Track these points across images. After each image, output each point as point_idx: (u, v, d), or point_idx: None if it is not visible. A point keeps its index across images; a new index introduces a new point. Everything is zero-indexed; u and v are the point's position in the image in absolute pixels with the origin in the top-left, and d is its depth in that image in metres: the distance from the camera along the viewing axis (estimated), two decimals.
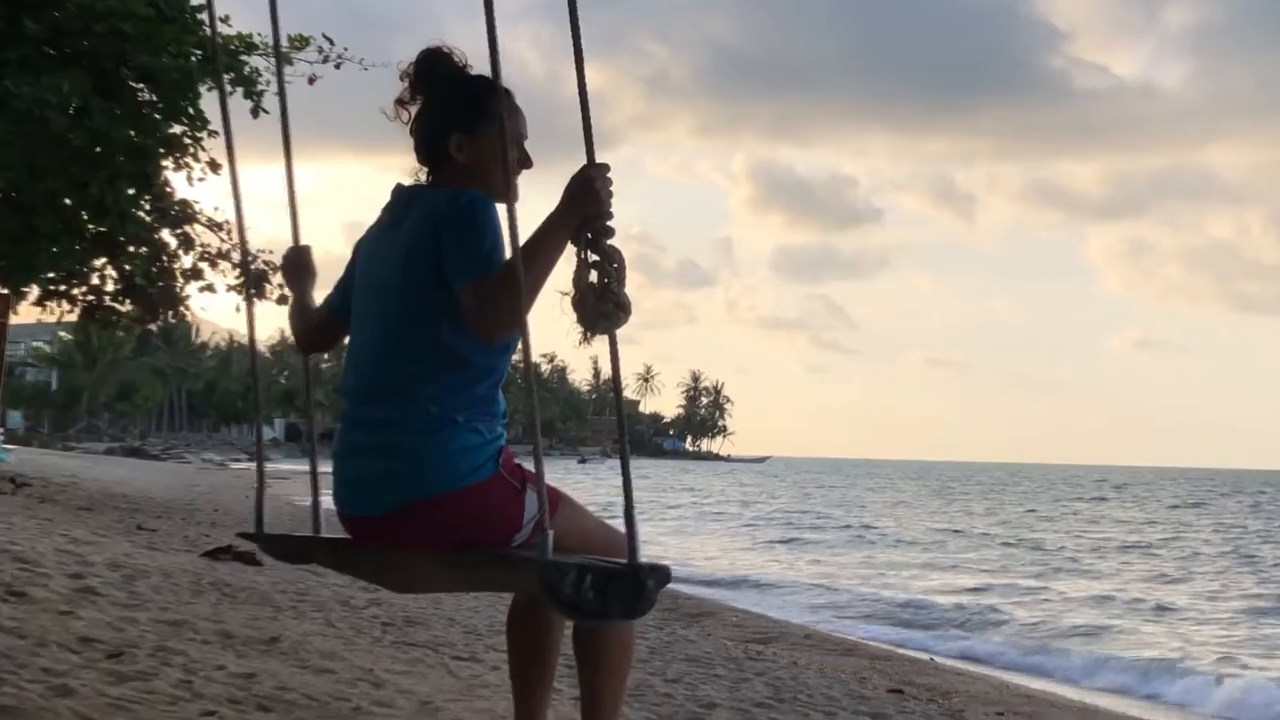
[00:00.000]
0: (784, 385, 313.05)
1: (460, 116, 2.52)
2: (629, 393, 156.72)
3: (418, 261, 2.41)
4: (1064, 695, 8.82)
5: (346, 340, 2.71)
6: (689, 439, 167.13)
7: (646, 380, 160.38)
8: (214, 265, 10.42)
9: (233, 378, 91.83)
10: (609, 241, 2.31)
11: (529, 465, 2.42)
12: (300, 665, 4.31)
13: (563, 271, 2.33)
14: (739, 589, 15.59)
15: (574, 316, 2.30)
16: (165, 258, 10.34)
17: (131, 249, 9.94)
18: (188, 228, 10.05)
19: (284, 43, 8.71)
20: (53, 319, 11.84)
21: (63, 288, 10.76)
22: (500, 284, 2.25)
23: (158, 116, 8.12)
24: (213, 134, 8.48)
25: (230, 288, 10.56)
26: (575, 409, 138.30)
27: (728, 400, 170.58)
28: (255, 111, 8.21)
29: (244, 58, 8.37)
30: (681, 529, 28.48)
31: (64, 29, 7.53)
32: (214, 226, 10.06)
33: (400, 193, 2.59)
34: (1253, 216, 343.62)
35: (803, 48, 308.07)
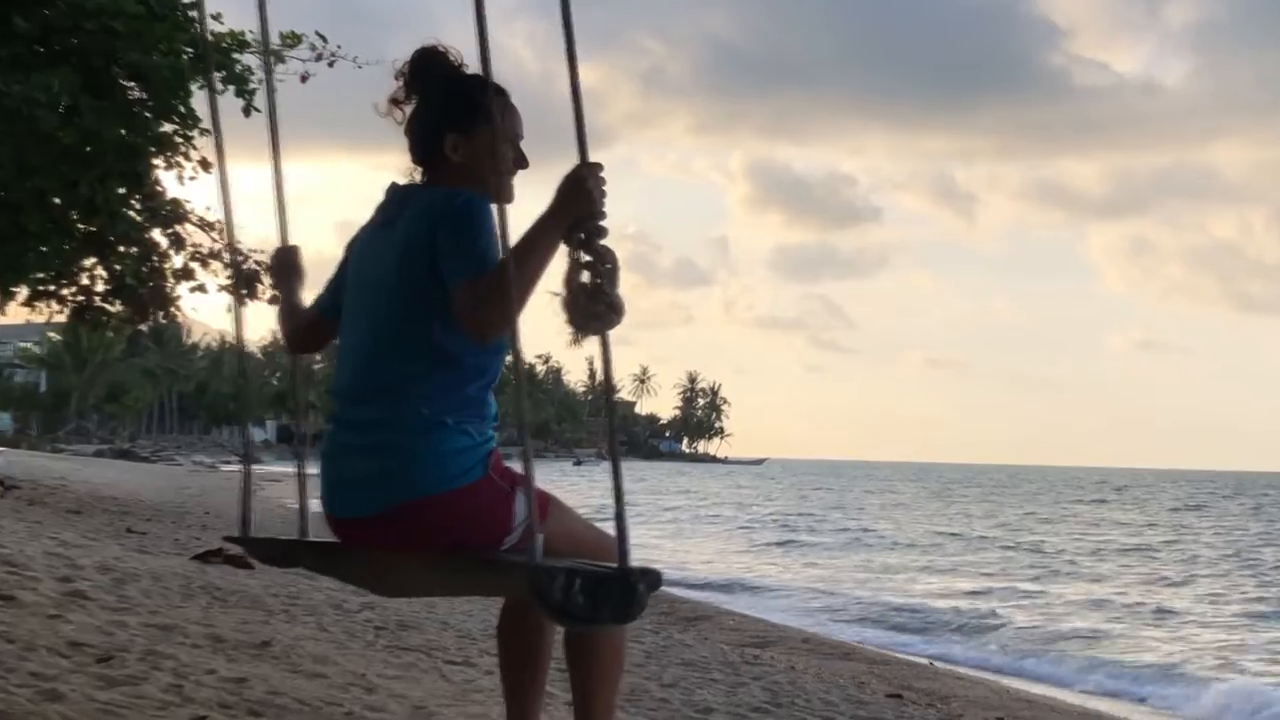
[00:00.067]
0: (782, 386, 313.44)
1: (455, 116, 2.51)
2: (624, 394, 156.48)
3: (412, 261, 2.40)
4: (1064, 700, 8.81)
5: (337, 341, 2.68)
6: (685, 441, 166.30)
7: (642, 381, 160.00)
8: (205, 265, 10.37)
9: (224, 379, 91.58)
10: (601, 242, 2.30)
11: (519, 468, 2.40)
12: (292, 670, 4.29)
13: (556, 272, 2.31)
14: (735, 592, 15.57)
15: (565, 317, 2.29)
16: (156, 257, 10.28)
17: (122, 249, 9.88)
18: (179, 227, 10.00)
19: (276, 40, 8.68)
20: (42, 319, 11.78)
21: (52, 288, 10.69)
22: (493, 284, 2.24)
23: (148, 115, 8.07)
24: (204, 132, 8.43)
25: (222, 288, 10.50)
26: (570, 410, 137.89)
27: (725, 401, 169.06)
28: (247, 110, 8.16)
29: (236, 55, 8.32)
30: (678, 532, 28.45)
31: (54, 26, 7.48)
32: (205, 226, 10.02)
33: (395, 192, 2.58)
34: (1255, 215, 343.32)
35: (801, 44, 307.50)
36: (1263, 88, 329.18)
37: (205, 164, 8.99)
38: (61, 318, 11.57)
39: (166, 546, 8.95)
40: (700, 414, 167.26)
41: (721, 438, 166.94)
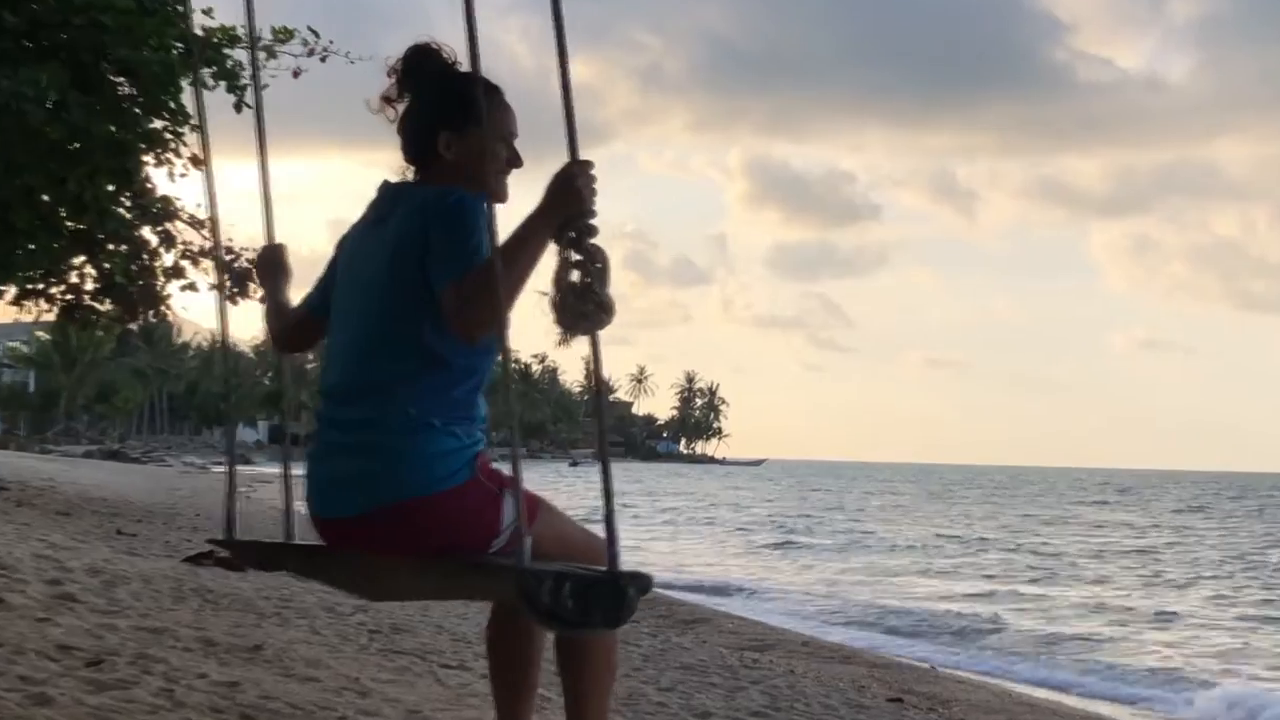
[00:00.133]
0: (780, 386, 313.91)
1: (449, 114, 2.49)
2: (621, 394, 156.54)
3: (404, 259, 2.37)
4: (1067, 704, 8.78)
5: (326, 340, 2.65)
6: (683, 441, 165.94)
7: (639, 381, 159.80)
8: (196, 263, 10.29)
9: (215, 379, 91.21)
10: (592, 240, 2.27)
11: (508, 469, 2.36)
12: (284, 674, 4.26)
13: (545, 271, 2.29)
14: (734, 595, 15.49)
15: (554, 317, 2.26)
16: (146, 256, 10.21)
17: (111, 247, 9.80)
18: (169, 225, 9.93)
19: (268, 35, 8.61)
20: (30, 318, 11.70)
21: (40, 286, 10.62)
22: (480, 282, 2.22)
23: (138, 111, 8.00)
24: (195, 128, 8.36)
25: (213, 286, 10.43)
26: (567, 410, 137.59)
27: (723, 401, 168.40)
28: (239, 106, 8.09)
29: (227, 51, 8.25)
30: (676, 534, 28.40)
31: (42, 21, 7.41)
32: (196, 224, 9.94)
33: (387, 190, 2.56)
34: (1259, 213, 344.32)
35: (800, 40, 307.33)
36: (1266, 84, 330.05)
37: (196, 160, 8.92)
38: (50, 317, 11.50)
39: (157, 549, 8.90)
40: (698, 414, 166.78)
41: (719, 438, 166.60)
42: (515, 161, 2.54)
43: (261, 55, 8.52)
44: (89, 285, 10.75)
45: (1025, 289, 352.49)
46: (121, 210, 9.24)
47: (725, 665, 6.90)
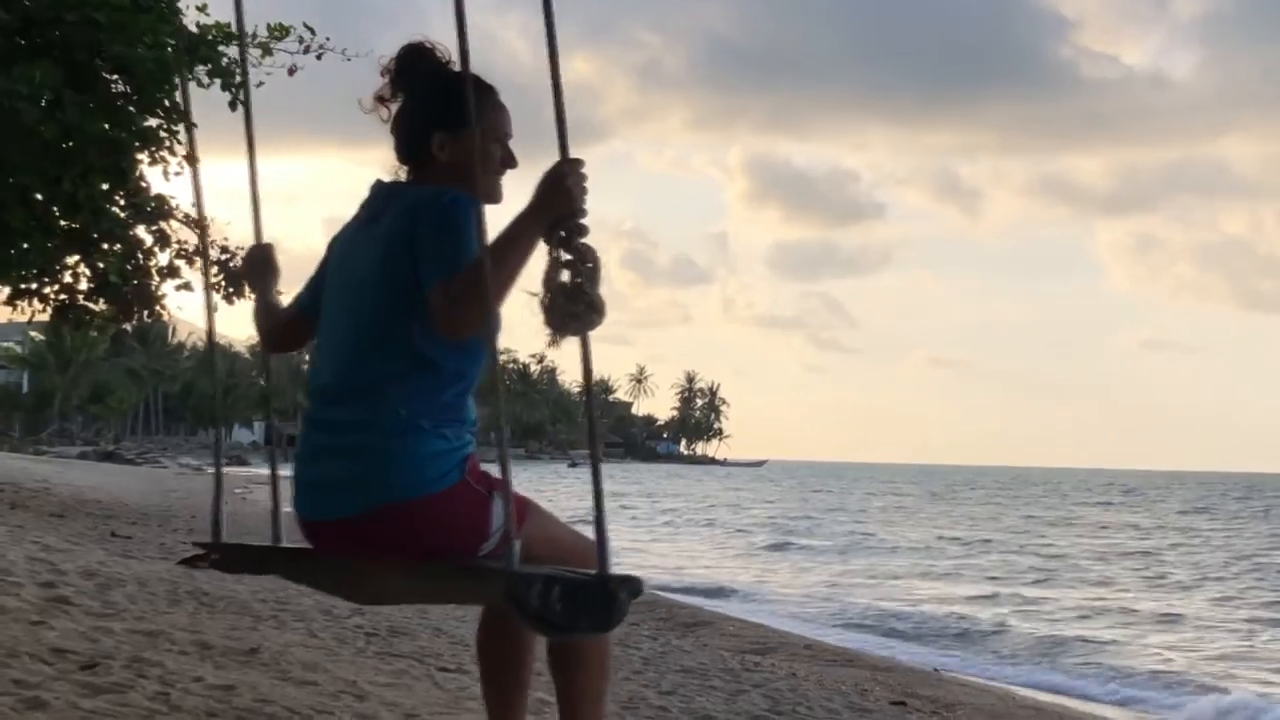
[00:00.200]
0: (782, 386, 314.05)
1: (442, 114, 2.46)
2: (621, 394, 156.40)
3: (395, 259, 2.35)
4: (1072, 708, 8.74)
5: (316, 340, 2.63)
6: (684, 442, 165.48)
7: (639, 381, 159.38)
8: (191, 263, 10.23)
9: (210, 380, 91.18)
10: (582, 240, 2.26)
11: (498, 472, 2.34)
12: (281, 677, 4.24)
13: (534, 271, 2.29)
14: (735, 598, 15.43)
15: (543, 318, 2.26)
16: (140, 255, 10.13)
17: (105, 246, 9.72)
18: (164, 224, 9.86)
19: (263, 32, 8.54)
20: (24, 319, 11.63)
21: (34, 286, 10.54)
22: (468, 282, 2.20)
23: (133, 109, 7.94)
24: (190, 126, 8.29)
25: (208, 286, 10.34)
26: (565, 411, 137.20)
27: (723, 402, 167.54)
28: (234, 104, 8.03)
29: (222, 48, 8.19)
30: (676, 535, 28.34)
31: (34, 18, 7.34)
32: (191, 223, 9.87)
33: (379, 189, 2.54)
34: (1266, 211, 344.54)
35: (801, 37, 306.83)
36: (1272, 81, 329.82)
37: (190, 158, 8.85)
38: (44, 317, 11.42)
39: (152, 551, 8.88)
40: (699, 415, 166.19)
41: (720, 439, 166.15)
42: (510, 162, 2.52)
43: (257, 52, 8.46)
44: (83, 285, 10.66)
45: (1029, 288, 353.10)
46: (116, 209, 9.17)
47: (726, 668, 6.88)
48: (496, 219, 2.29)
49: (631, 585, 2.16)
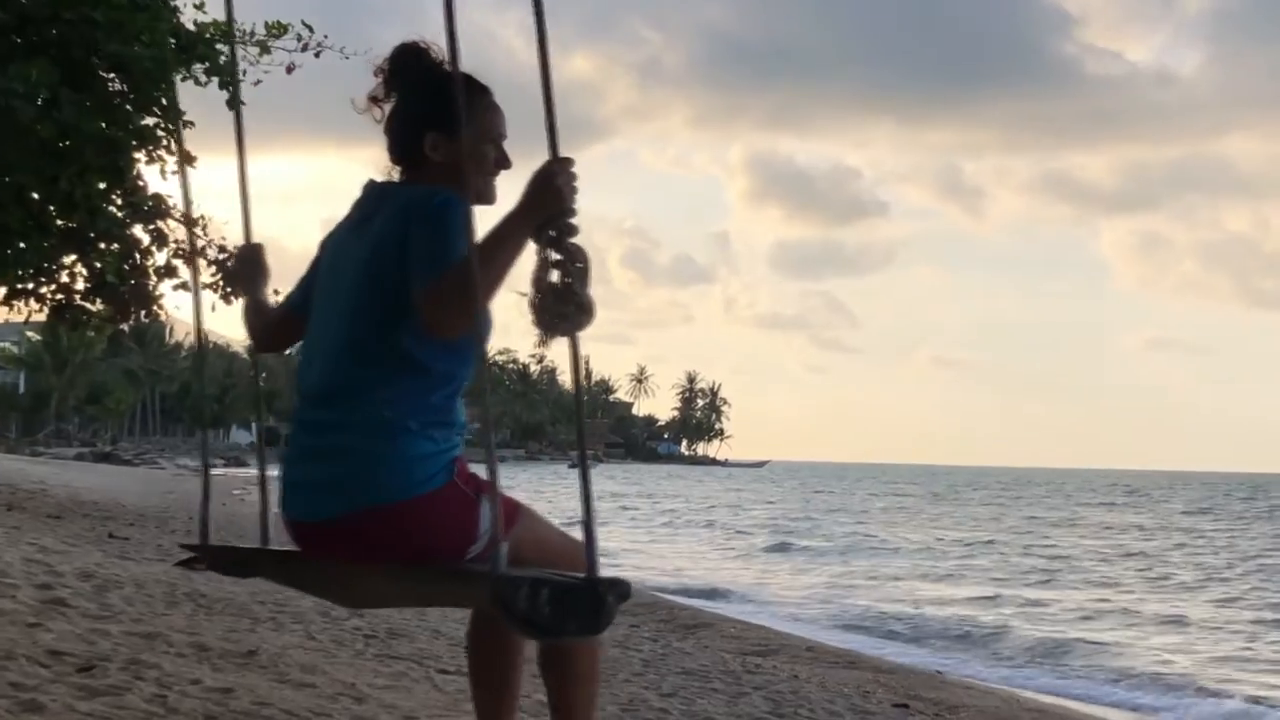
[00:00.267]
0: (783, 386, 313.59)
1: (436, 115, 2.45)
2: (621, 394, 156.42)
3: (386, 259, 2.34)
4: (1076, 710, 8.68)
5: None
6: (684, 443, 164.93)
7: (640, 381, 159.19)
8: (188, 262, 10.20)
9: (207, 381, 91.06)
10: (572, 240, 2.24)
11: (486, 474, 2.33)
12: (279, 679, 4.22)
13: (525, 272, 2.27)
14: (735, 599, 15.35)
15: (533, 318, 2.25)
16: (137, 254, 10.13)
17: (102, 245, 9.71)
18: (161, 223, 9.84)
19: (260, 30, 8.53)
20: (20, 319, 11.61)
21: (30, 286, 10.53)
22: (456, 281, 2.18)
23: (129, 108, 7.92)
24: (187, 124, 8.28)
25: (205, 285, 10.35)
26: (566, 411, 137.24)
27: (725, 402, 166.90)
28: (232, 103, 8.01)
29: (220, 46, 8.17)
30: (676, 536, 28.27)
31: (31, 16, 7.33)
32: (188, 222, 9.85)
33: (372, 189, 2.53)
34: (1272, 209, 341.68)
35: (802, 33, 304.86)
36: (1277, 78, 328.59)
37: (188, 157, 8.83)
38: (40, 317, 11.41)
39: (149, 552, 8.84)
40: (699, 415, 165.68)
41: (721, 439, 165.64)
42: (504, 163, 2.51)
43: (255, 51, 8.44)
44: (80, 285, 10.66)
45: (1033, 287, 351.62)
46: (113, 209, 9.16)
47: (727, 670, 6.84)
48: (488, 219, 2.29)
49: (620, 588, 2.15)
